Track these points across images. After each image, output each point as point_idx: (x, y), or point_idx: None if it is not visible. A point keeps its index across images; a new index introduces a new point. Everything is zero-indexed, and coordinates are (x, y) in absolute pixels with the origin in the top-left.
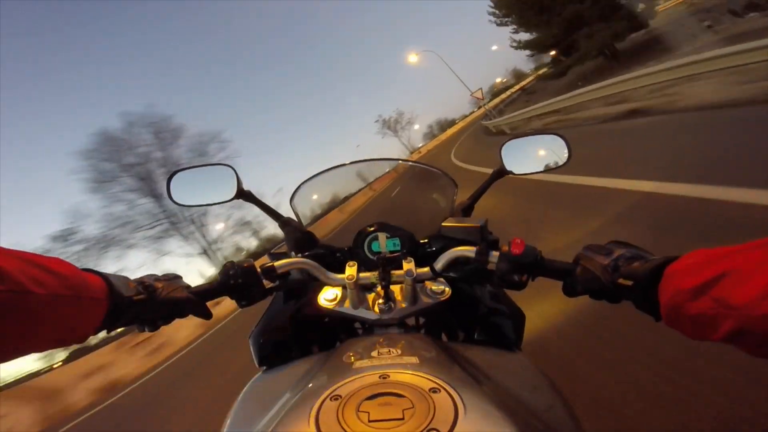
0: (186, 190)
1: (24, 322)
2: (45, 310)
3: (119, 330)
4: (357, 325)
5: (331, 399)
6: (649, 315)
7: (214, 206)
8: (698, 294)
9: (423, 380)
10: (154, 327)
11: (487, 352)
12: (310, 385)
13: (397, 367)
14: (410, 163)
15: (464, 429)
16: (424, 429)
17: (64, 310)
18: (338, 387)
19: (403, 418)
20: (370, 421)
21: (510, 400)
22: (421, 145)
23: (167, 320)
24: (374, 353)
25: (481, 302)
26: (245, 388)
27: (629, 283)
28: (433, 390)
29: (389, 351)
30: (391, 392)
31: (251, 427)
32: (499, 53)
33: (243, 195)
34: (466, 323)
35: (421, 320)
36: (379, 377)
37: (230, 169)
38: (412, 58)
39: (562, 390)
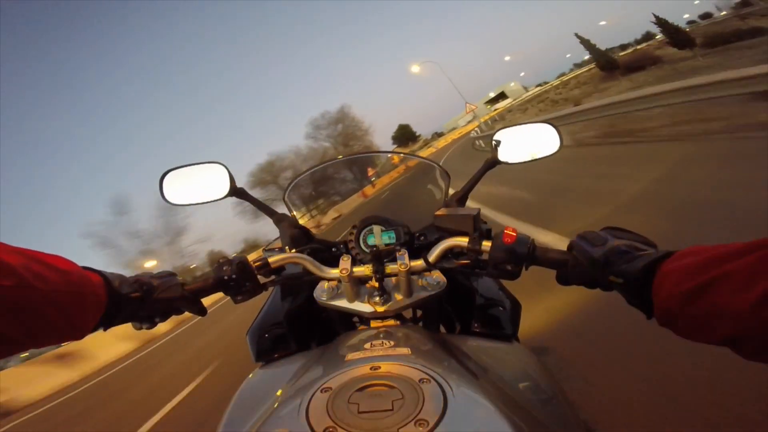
0: (178, 190)
1: (26, 318)
2: (47, 305)
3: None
4: (355, 319)
5: (321, 391)
6: (641, 312)
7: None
8: (694, 297)
9: (413, 371)
10: (152, 324)
11: (482, 343)
12: (303, 378)
13: (388, 359)
14: (404, 156)
15: (452, 419)
16: (412, 419)
17: (64, 307)
18: (329, 379)
19: (392, 409)
20: (359, 412)
21: (502, 391)
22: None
23: (163, 317)
24: (367, 345)
25: (477, 293)
26: (242, 384)
27: (620, 281)
28: (423, 381)
29: (382, 343)
30: (381, 383)
31: (247, 422)
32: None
33: (236, 192)
34: (463, 315)
35: (419, 313)
36: (370, 369)
37: (222, 166)
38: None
39: (559, 380)
